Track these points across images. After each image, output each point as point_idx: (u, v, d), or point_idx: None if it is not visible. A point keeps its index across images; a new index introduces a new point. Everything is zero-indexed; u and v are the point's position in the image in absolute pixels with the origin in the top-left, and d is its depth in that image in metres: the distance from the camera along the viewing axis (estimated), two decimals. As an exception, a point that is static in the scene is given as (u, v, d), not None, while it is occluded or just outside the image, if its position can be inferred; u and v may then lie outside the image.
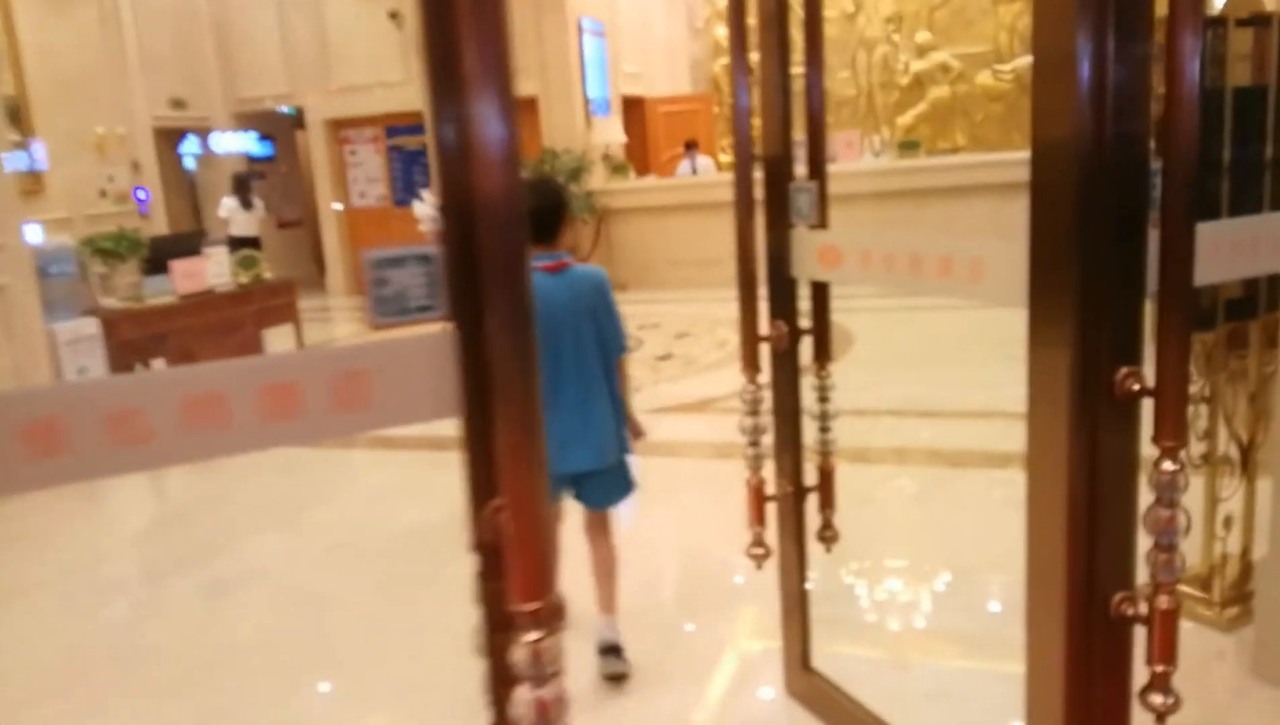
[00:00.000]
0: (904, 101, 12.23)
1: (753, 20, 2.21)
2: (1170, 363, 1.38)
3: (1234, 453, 2.82)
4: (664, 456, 4.69)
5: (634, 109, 11.92)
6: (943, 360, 6.32)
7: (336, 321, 10.58)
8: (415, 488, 4.61)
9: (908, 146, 9.64)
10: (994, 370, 4.86)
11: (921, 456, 4.51)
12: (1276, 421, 2.71)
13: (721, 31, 12.69)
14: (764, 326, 2.37)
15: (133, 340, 5.40)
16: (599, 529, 2.83)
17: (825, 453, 2.41)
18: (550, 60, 10.24)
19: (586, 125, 10.46)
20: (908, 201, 9.35)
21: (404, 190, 11.43)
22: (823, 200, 2.28)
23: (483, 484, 1.10)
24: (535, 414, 1.04)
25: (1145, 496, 1.46)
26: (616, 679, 2.73)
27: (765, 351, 2.37)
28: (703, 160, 11.00)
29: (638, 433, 2.89)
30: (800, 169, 2.33)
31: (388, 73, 10.99)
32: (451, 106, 1.02)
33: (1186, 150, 1.35)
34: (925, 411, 5.14)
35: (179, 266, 5.79)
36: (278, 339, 6.85)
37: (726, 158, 12.75)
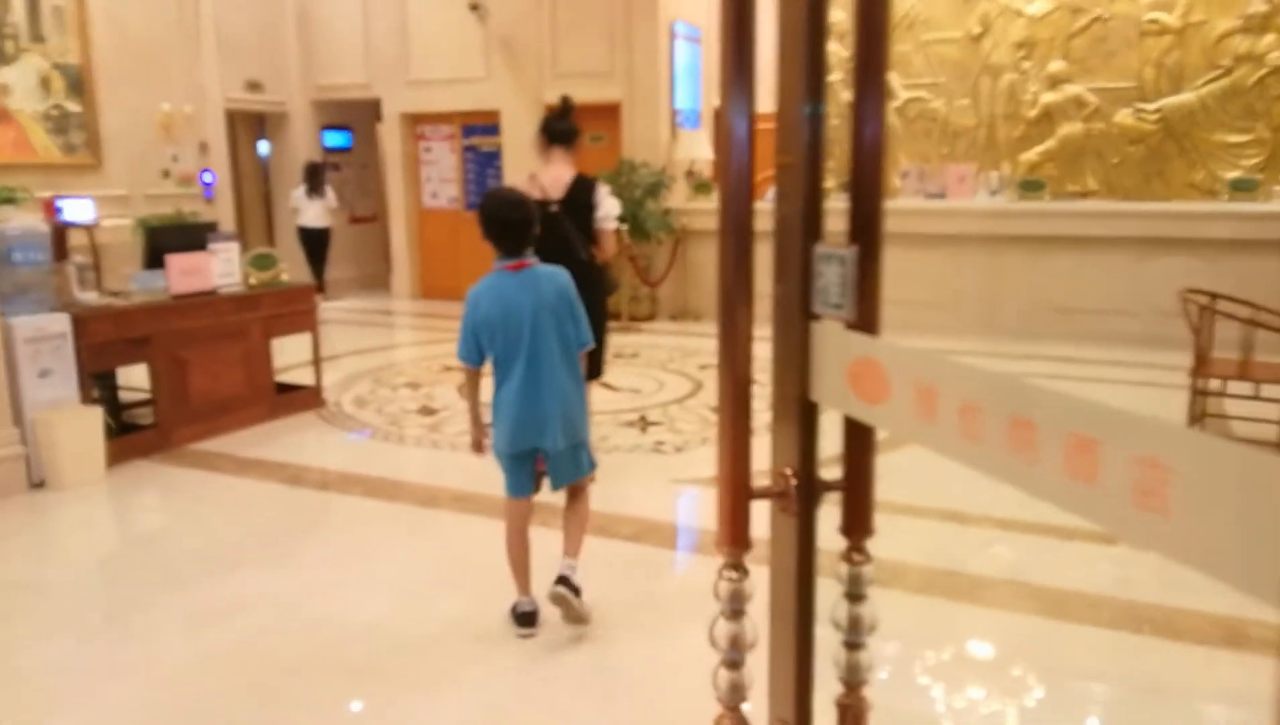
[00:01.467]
0: (1030, 137, 11.00)
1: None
2: None
3: None
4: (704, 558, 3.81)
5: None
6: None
7: (396, 327, 9.99)
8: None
9: (1031, 187, 8.50)
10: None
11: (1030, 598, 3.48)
12: None
13: (831, 45, 11.70)
14: (762, 468, 1.46)
15: (108, 342, 4.79)
16: (571, 497, 3.22)
17: (853, 685, 1.49)
18: (638, 65, 9.46)
19: (672, 138, 9.63)
20: (1025, 249, 8.21)
21: (476, 193, 10.79)
22: (870, 278, 1.38)
23: None
24: None
25: None
26: (560, 603, 3.06)
27: (762, 511, 1.46)
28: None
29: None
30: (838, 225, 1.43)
31: (467, 68, 10.37)
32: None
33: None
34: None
35: (176, 262, 5.17)
36: (291, 349, 6.20)
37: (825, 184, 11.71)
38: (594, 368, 4.30)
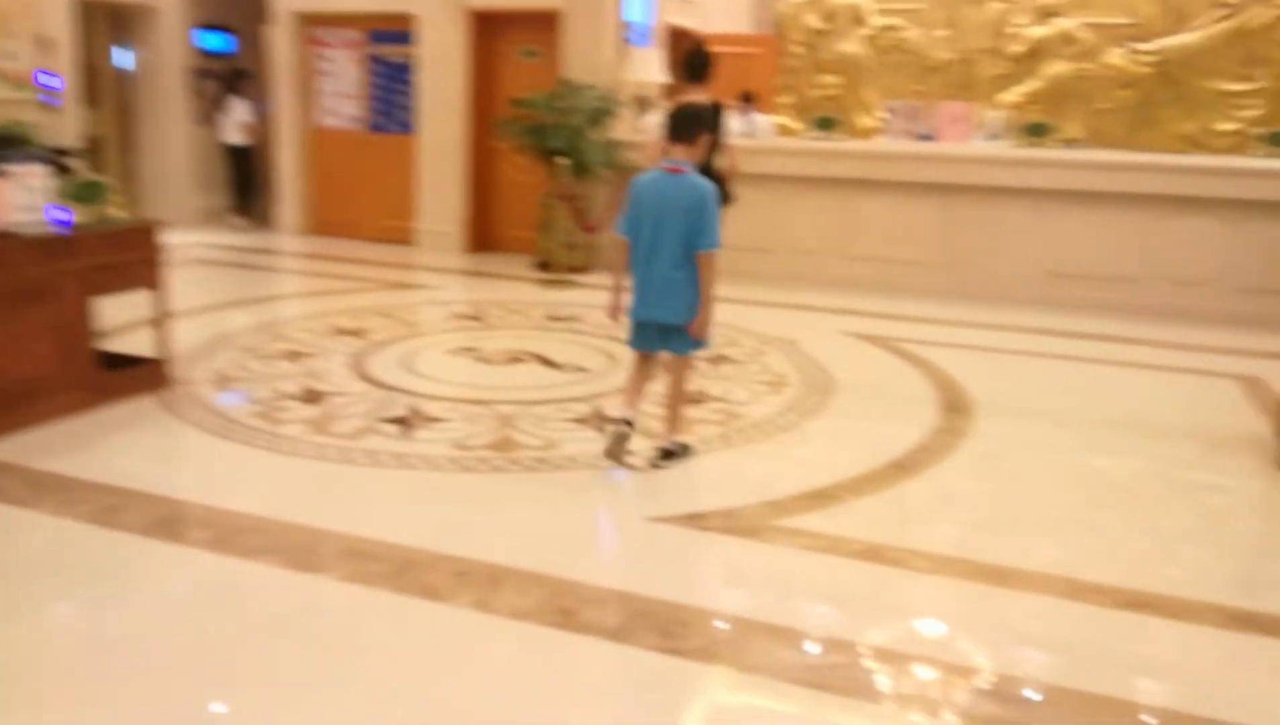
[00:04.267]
0: (1012, 75, 9.89)
1: None
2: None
3: None
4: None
5: (681, 45, 9.58)
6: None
7: (278, 272, 8.37)
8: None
9: (1037, 131, 7.34)
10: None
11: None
12: None
13: (796, -36, 10.31)
14: None
15: None
16: (668, 368, 3.86)
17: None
18: (579, -34, 7.94)
19: (618, 56, 8.17)
20: (1029, 202, 7.10)
21: (382, 112, 9.14)
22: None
23: None
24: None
25: None
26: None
27: None
28: (760, 119, 8.74)
29: (701, 328, 3.69)
30: None
31: (375, -40, 8.67)
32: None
33: None
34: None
35: (-59, 189, 3.59)
36: (119, 308, 4.66)
37: (785, 119, 10.45)
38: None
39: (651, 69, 8.24)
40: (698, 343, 3.75)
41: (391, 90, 9.07)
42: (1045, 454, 4.21)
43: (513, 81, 8.43)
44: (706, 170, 4.41)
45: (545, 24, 8.19)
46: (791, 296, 7.06)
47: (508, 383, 4.92)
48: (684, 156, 3.63)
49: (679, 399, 3.85)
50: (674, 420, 3.84)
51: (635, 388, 3.85)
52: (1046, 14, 9.63)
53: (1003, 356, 5.81)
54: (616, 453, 3.70)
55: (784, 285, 7.36)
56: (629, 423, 3.72)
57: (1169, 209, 6.81)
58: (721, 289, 3.74)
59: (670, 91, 5.10)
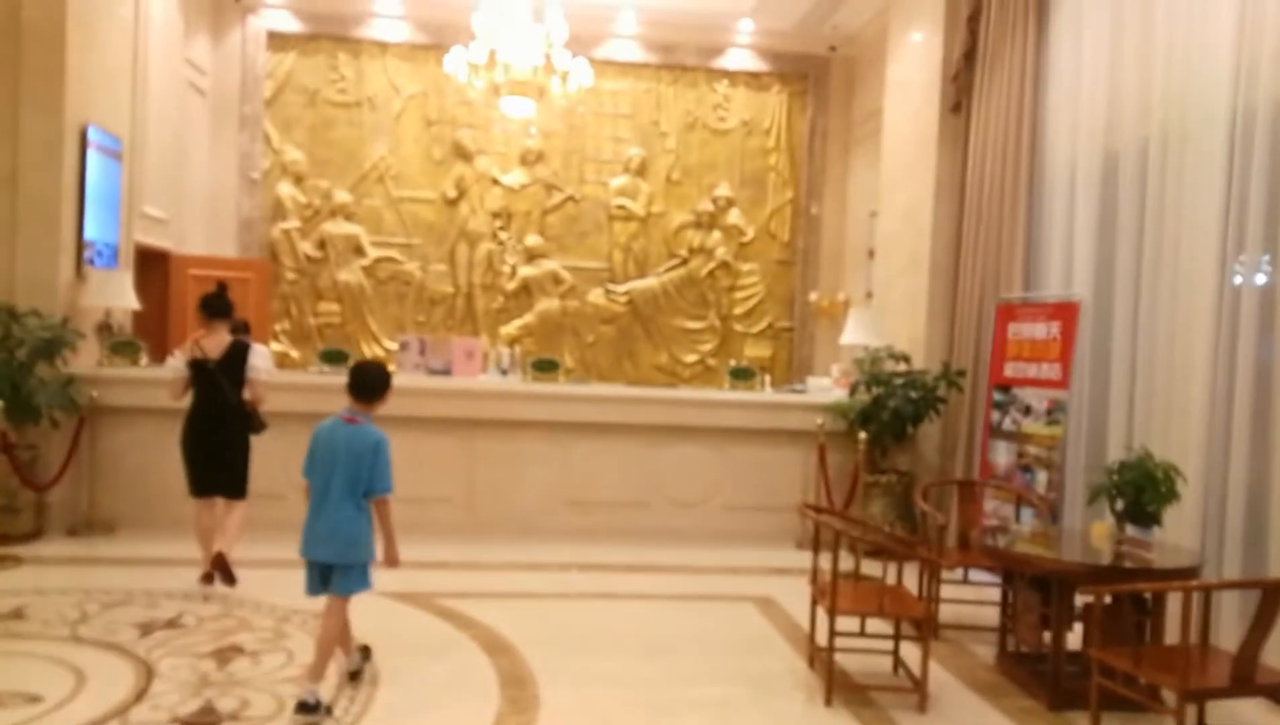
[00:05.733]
0: (509, 309, 10.39)
1: None
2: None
3: None
4: None
5: (154, 267, 8.49)
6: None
7: None
8: None
9: (544, 366, 7.59)
10: None
11: None
12: None
13: (287, 189, 9.94)
14: None
15: None
16: (328, 610, 3.91)
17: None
18: (26, 177, 6.66)
19: (78, 278, 6.89)
20: (543, 433, 7.21)
21: None
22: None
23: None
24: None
25: None
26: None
27: None
28: (260, 348, 7.93)
29: (393, 560, 3.99)
30: None
31: None
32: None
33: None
34: None
35: None
36: None
37: (282, 347, 9.71)
38: (237, 488, 5.55)
39: (120, 293, 7.08)
40: (361, 581, 3.93)
41: None
42: (621, 719, 3.93)
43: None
44: (234, 407, 5.46)
45: (-27, 236, 6.65)
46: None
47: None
48: (362, 410, 3.94)
49: (332, 642, 3.87)
50: (319, 667, 3.80)
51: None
52: (533, 256, 10.37)
53: (544, 603, 5.57)
54: None
55: (292, 539, 6.46)
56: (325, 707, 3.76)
57: (663, 437, 7.37)
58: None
59: (199, 328, 5.57)
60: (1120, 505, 4.59)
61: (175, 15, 8.72)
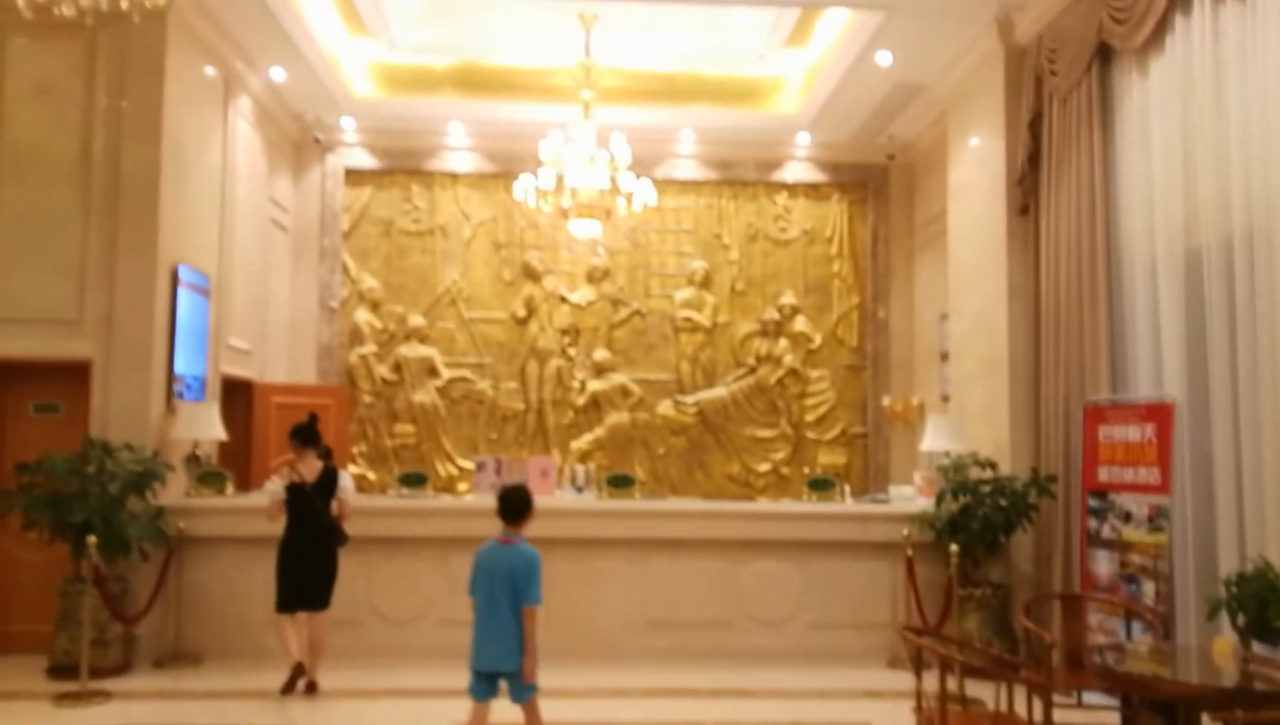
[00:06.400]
0: (579, 424, 10.44)
1: None
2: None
3: None
4: None
5: (238, 396, 8.74)
6: None
7: None
8: None
9: (619, 483, 7.55)
10: None
11: None
12: None
13: (364, 316, 10.25)
14: None
15: None
16: (524, 713, 4.49)
17: None
18: (121, 315, 6.97)
19: (168, 411, 7.12)
20: (622, 552, 7.11)
21: None
22: None
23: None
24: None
25: None
26: None
27: None
28: (345, 474, 8.04)
29: (530, 674, 4.39)
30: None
31: None
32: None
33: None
34: None
35: None
36: None
37: (359, 469, 9.84)
38: (324, 599, 6.01)
39: (207, 424, 7.28)
40: (531, 686, 4.41)
41: None
42: None
43: (21, 442, 6.91)
44: (328, 526, 6.00)
45: (71, 375, 6.94)
46: (386, 679, 6.14)
47: None
48: (514, 531, 4.45)
49: None
50: None
51: None
52: (601, 370, 10.45)
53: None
54: None
55: (376, 664, 6.43)
56: None
57: (744, 551, 7.21)
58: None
59: (293, 455, 6.05)
60: (1242, 620, 4.32)
61: (260, 158, 9.21)
